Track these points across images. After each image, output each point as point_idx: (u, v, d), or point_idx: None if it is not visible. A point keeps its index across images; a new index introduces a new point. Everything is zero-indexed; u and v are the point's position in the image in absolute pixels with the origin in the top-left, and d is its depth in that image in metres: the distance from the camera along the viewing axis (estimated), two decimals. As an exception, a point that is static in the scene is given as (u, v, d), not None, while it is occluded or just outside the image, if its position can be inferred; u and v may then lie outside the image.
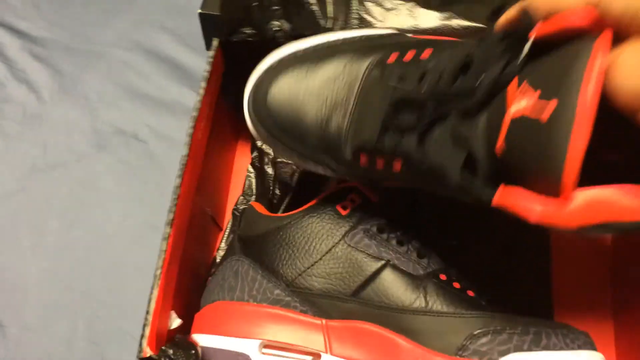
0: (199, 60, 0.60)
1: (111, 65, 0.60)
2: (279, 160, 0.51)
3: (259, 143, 0.51)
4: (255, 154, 0.51)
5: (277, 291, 0.38)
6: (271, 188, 0.50)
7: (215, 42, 0.43)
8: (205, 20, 0.47)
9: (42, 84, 0.59)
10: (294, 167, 0.51)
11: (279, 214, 0.42)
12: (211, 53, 0.42)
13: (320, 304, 0.37)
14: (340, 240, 0.38)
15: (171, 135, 0.56)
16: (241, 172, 0.52)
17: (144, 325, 0.34)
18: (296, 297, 0.37)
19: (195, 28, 0.62)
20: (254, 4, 0.40)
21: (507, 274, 0.45)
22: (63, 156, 0.55)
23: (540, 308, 0.44)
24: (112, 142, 0.55)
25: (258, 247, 0.40)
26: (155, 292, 0.35)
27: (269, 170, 0.50)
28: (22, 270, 0.49)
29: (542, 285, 0.45)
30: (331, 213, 0.39)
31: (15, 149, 0.55)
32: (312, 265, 0.38)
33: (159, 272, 0.36)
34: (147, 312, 0.35)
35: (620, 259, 0.45)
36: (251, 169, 0.51)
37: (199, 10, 0.47)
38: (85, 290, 0.48)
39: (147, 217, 0.52)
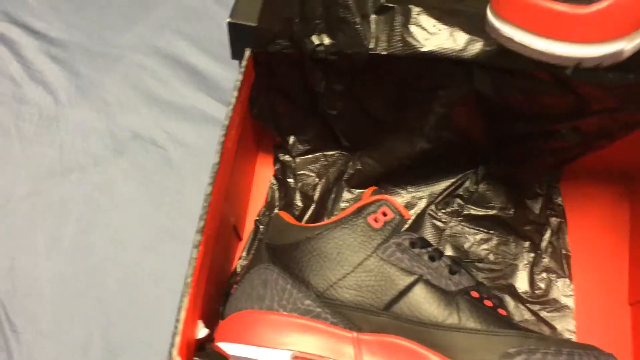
0: (217, 67, 0.60)
1: (129, 70, 0.59)
2: (301, 172, 0.51)
3: (281, 155, 0.51)
4: (277, 165, 0.51)
5: (307, 301, 0.37)
6: (293, 200, 0.50)
7: (247, 52, 0.43)
8: (234, 29, 0.47)
9: (59, 86, 0.58)
10: (317, 179, 0.51)
11: (309, 224, 0.42)
12: (243, 63, 0.42)
13: (351, 316, 0.37)
14: (372, 252, 0.38)
15: (189, 141, 0.55)
16: (260, 183, 0.52)
17: (174, 334, 0.34)
18: (327, 309, 0.37)
19: (214, 34, 0.63)
20: (295, 19, 0.40)
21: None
22: (80, 160, 0.54)
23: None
24: (130, 147, 0.55)
25: (287, 256, 0.40)
26: (186, 301, 0.35)
27: (291, 182, 0.50)
28: (36, 275, 0.48)
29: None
30: (363, 225, 0.39)
31: (31, 150, 0.54)
32: (344, 277, 0.38)
33: (189, 280, 0.35)
34: (177, 321, 0.34)
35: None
36: (274, 181, 0.51)
37: (228, 20, 0.46)
38: (101, 297, 0.47)
39: (164, 223, 0.51)
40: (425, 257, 0.38)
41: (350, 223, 0.39)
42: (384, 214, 0.39)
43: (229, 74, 0.59)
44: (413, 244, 0.39)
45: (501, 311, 0.37)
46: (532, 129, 0.46)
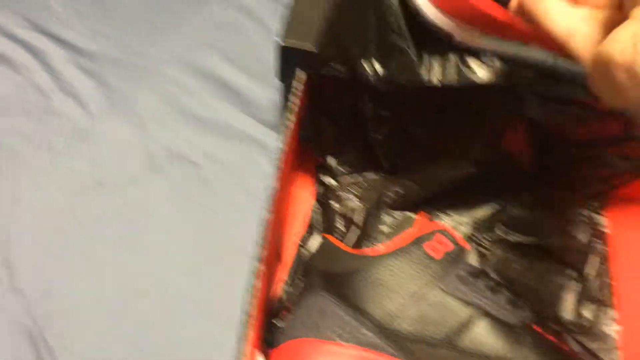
0: (251, 83, 0.59)
1: (162, 83, 0.58)
2: (342, 194, 0.50)
3: (324, 178, 0.50)
4: (320, 188, 0.50)
5: (366, 332, 0.37)
6: (335, 223, 0.49)
7: (303, 75, 0.42)
8: (285, 51, 0.46)
9: (90, 98, 0.56)
10: (358, 202, 0.50)
11: (363, 251, 0.41)
12: (300, 86, 0.42)
13: (411, 348, 0.36)
14: (432, 283, 0.38)
15: (224, 159, 0.54)
16: (298, 204, 0.51)
17: (237, 367, 0.33)
18: (386, 340, 0.36)
19: (246, 49, 0.62)
20: (354, 46, 0.39)
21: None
22: (113, 175, 0.52)
23: None
24: (165, 163, 0.53)
25: (342, 284, 0.39)
26: (250, 333, 0.34)
27: (334, 204, 0.50)
28: (71, 294, 0.46)
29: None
30: (422, 255, 0.39)
31: (62, 165, 0.52)
32: (403, 307, 0.37)
33: (252, 310, 0.35)
34: (240, 353, 0.34)
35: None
36: (317, 205, 0.50)
37: (281, 42, 0.46)
38: (140, 320, 0.46)
39: (201, 244, 0.50)
40: (486, 289, 0.38)
41: (408, 252, 0.39)
42: (442, 244, 0.39)
43: (264, 91, 0.58)
44: (474, 276, 0.38)
45: (564, 346, 0.37)
46: (581, 156, 0.46)
